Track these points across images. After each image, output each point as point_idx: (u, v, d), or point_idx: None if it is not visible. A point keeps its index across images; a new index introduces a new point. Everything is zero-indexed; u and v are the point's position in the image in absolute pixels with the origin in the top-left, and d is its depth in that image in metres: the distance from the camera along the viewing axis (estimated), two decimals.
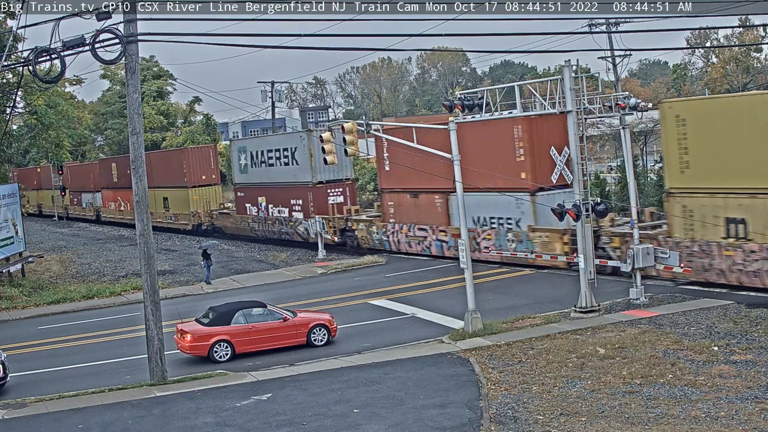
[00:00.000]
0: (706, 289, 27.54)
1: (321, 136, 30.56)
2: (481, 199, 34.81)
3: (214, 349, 24.18)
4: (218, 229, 54.36)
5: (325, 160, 29.92)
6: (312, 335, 25.08)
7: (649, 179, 50.12)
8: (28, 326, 32.60)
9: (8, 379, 22.86)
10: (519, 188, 33.48)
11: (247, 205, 50.71)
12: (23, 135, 57.73)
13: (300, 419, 17.90)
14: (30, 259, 44.95)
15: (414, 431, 16.68)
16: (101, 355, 26.34)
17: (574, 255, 28.79)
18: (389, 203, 41.63)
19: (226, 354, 24.22)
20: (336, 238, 43.73)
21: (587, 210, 25.67)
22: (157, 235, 51.66)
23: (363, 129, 29.63)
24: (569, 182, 29.58)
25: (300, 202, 45.58)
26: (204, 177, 54.98)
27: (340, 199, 44.59)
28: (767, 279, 25.93)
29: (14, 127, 56.34)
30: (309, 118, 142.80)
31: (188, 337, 24.25)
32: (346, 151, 28.88)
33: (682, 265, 27.46)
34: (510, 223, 34.86)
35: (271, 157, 47.63)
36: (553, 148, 32.45)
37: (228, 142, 49.99)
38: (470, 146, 31.98)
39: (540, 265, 33.57)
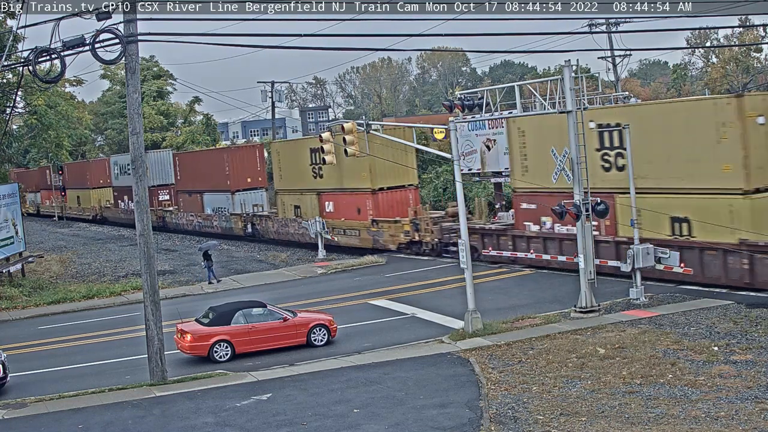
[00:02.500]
0: (706, 289, 27.55)
1: (320, 136, 30.64)
2: (217, 196, 56.66)
3: (214, 349, 24.18)
4: (105, 218, 73.92)
5: (324, 160, 30.03)
6: (312, 335, 25.08)
7: None
8: (28, 326, 32.60)
9: (8, 379, 22.86)
10: (228, 189, 55.09)
11: (119, 201, 71.35)
12: (23, 135, 57.72)
13: (300, 419, 17.91)
14: (30, 259, 44.94)
15: (414, 431, 16.69)
16: (101, 355, 26.34)
17: (248, 227, 52.60)
18: (180, 199, 62.14)
19: (226, 354, 24.21)
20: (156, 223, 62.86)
21: (587, 210, 25.68)
22: (156, 235, 51.88)
23: (363, 129, 29.67)
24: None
25: None
26: (101, 181, 73.64)
27: (167, 197, 64.21)
28: (308, 238, 45.67)
29: (14, 127, 56.32)
30: (309, 118, 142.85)
31: (188, 337, 24.25)
32: (346, 151, 28.96)
33: (682, 264, 27.49)
34: (226, 211, 55.42)
35: (128, 169, 64.25)
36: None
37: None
38: (209, 165, 57.09)
39: (235, 234, 54.17)
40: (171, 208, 62.55)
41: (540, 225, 33.43)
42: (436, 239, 39.03)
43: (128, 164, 62.22)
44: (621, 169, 29.83)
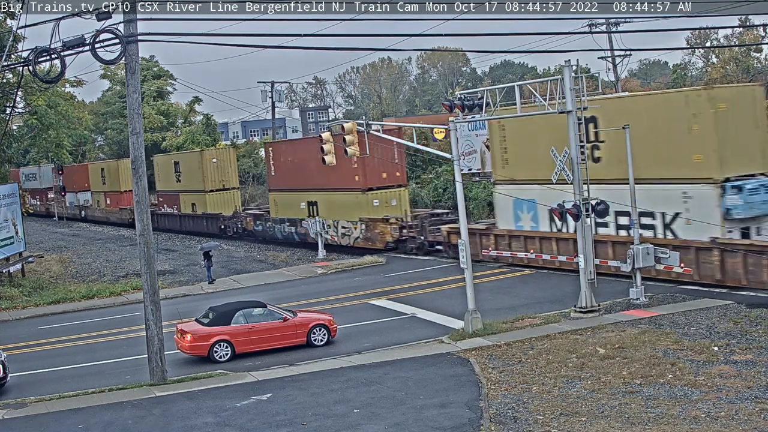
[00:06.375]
0: (706, 289, 27.56)
1: (320, 136, 30.67)
2: (70, 195, 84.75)
3: (214, 349, 24.18)
4: None
5: (323, 161, 30.07)
6: (312, 335, 25.08)
7: None
8: (28, 326, 32.60)
9: (8, 379, 22.87)
10: (74, 190, 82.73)
11: (24, 199, 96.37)
12: (23, 135, 57.73)
13: (300, 419, 17.91)
14: (30, 259, 44.92)
15: (414, 431, 16.69)
16: (101, 355, 26.35)
17: (81, 213, 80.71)
18: (56, 197, 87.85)
19: (226, 354, 24.21)
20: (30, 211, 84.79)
21: (587, 210, 25.69)
22: (156, 235, 52.10)
23: (363, 129, 29.69)
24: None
25: (38, 196, 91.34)
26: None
27: (52, 195, 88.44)
28: (115, 218, 73.25)
29: (14, 127, 56.31)
30: (309, 118, 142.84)
31: (188, 337, 24.25)
32: (346, 151, 28.99)
33: (682, 264, 27.49)
34: (74, 203, 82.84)
35: (30, 176, 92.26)
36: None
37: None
38: (67, 175, 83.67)
39: (76, 217, 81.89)
40: (52, 202, 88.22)
41: (171, 209, 64.27)
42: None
43: (32, 173, 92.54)
44: (180, 181, 62.35)
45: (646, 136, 28.35)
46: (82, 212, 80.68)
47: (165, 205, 65.96)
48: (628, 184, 26.73)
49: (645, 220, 29.25)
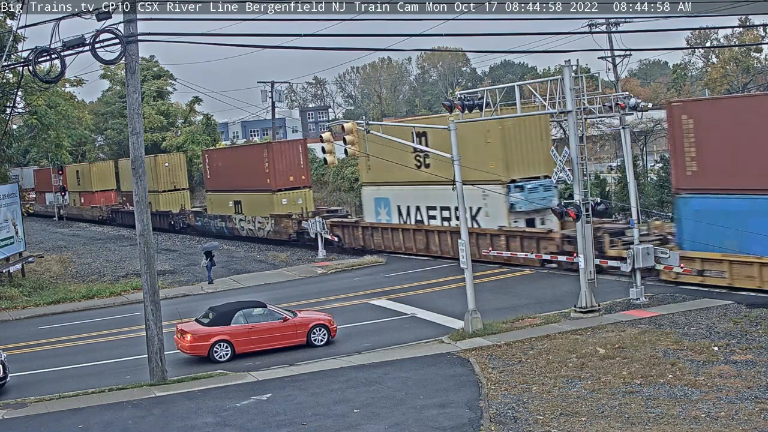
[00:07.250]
0: (706, 289, 27.57)
1: (321, 136, 30.67)
2: (48, 194, 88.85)
3: (214, 349, 24.18)
4: None
5: (324, 160, 30.06)
6: (312, 335, 25.08)
7: (649, 179, 50.14)
8: (28, 326, 32.59)
9: (8, 379, 22.86)
10: (58, 191, 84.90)
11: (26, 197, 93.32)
12: (23, 135, 57.76)
13: (300, 419, 17.91)
14: (30, 259, 44.91)
15: (414, 431, 16.69)
16: (101, 355, 26.34)
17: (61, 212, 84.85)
18: (36, 196, 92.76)
19: (226, 354, 24.21)
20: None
21: (587, 210, 25.71)
22: (156, 235, 52.19)
23: (363, 129, 29.68)
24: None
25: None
26: None
27: (33, 195, 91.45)
28: (98, 216, 76.05)
29: (14, 127, 56.33)
30: (309, 118, 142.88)
31: (188, 337, 24.25)
32: (346, 151, 28.99)
33: (681, 264, 27.50)
34: (56, 202, 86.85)
35: (13, 179, 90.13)
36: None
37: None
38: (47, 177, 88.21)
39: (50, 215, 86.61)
40: (33, 201, 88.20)
41: (133, 207, 64.91)
42: (105, 215, 74.53)
43: (15, 175, 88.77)
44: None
45: (459, 147, 34.29)
46: (61, 210, 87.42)
47: (128, 204, 70.93)
48: (450, 185, 31.26)
49: (459, 213, 35.73)
